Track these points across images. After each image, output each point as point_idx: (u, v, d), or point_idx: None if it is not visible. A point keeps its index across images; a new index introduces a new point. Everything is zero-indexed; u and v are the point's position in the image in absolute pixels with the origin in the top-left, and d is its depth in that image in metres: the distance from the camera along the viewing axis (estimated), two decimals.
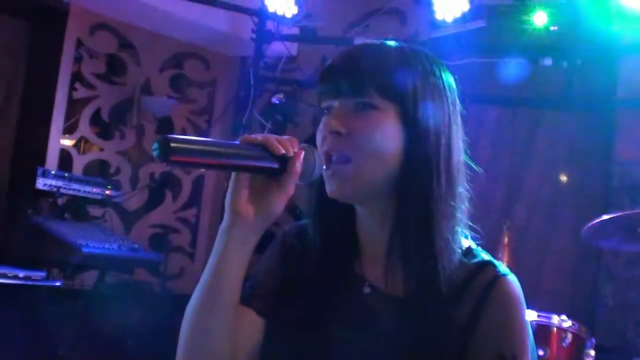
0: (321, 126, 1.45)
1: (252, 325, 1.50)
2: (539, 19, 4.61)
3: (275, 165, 1.35)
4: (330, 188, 1.44)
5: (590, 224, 3.31)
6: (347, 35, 5.72)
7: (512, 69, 4.79)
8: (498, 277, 1.43)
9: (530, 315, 3.28)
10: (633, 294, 4.48)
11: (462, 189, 1.47)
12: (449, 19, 4.54)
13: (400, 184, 1.42)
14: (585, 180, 5.03)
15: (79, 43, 5.67)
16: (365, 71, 1.42)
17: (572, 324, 3.28)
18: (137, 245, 4.92)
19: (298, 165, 1.36)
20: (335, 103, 1.44)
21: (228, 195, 1.39)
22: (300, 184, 1.41)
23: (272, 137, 1.35)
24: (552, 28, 4.64)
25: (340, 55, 1.50)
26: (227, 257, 1.41)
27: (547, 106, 5.15)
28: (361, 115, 1.41)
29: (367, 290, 1.50)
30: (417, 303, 1.41)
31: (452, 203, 1.43)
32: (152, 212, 6.15)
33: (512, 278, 1.45)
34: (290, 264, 1.57)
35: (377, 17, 5.79)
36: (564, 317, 3.28)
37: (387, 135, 1.40)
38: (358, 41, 5.06)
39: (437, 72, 1.48)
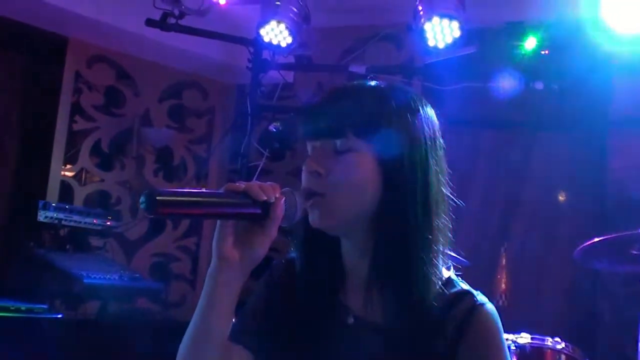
0: (303, 166, 1.51)
1: None
2: (530, 43, 4.67)
3: (258, 211, 1.43)
4: (311, 218, 1.51)
5: (582, 246, 3.35)
6: (343, 62, 5.78)
7: (504, 92, 4.84)
8: (476, 306, 1.49)
9: (524, 338, 3.32)
10: (631, 312, 4.50)
11: (442, 221, 1.52)
12: (441, 45, 4.58)
13: (378, 218, 1.48)
14: (581, 200, 5.07)
15: (78, 75, 5.74)
16: (342, 114, 1.49)
17: (566, 346, 3.31)
18: (137, 275, 4.97)
19: (279, 210, 1.44)
20: (317, 144, 1.50)
21: (214, 241, 1.46)
22: (283, 226, 1.47)
23: (255, 185, 1.43)
24: (542, 52, 4.69)
25: (320, 98, 1.58)
26: (215, 300, 1.48)
27: (541, 128, 5.20)
28: (338, 157, 1.48)
29: (350, 320, 1.55)
30: (396, 332, 1.47)
31: (429, 236, 1.49)
32: (153, 241, 6.19)
33: (490, 307, 1.50)
34: (277, 299, 1.63)
35: (372, 44, 5.86)
36: (557, 339, 3.31)
37: (363, 174, 1.47)
38: (353, 68, 5.14)
39: (415, 110, 1.54)
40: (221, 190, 1.42)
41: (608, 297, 4.81)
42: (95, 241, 5.50)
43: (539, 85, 4.71)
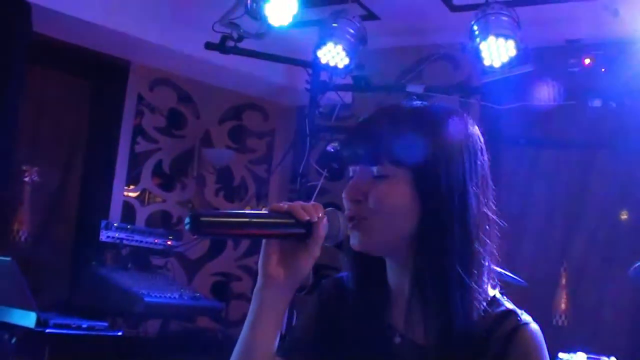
0: (343, 193, 1.54)
1: None
2: (587, 60, 4.64)
3: (302, 231, 1.45)
4: (352, 241, 1.53)
5: (637, 264, 3.31)
6: (400, 82, 5.80)
7: (562, 111, 4.82)
8: (520, 326, 1.47)
9: (580, 357, 3.29)
10: None
11: (483, 242, 1.51)
12: (497, 64, 4.58)
13: (417, 241, 1.49)
14: None
15: (140, 98, 5.88)
16: (376, 141, 1.51)
17: None
18: (198, 294, 5.04)
19: (322, 230, 1.46)
20: (356, 169, 1.54)
21: (260, 259, 1.50)
22: (327, 245, 1.51)
23: (298, 205, 1.45)
24: (600, 70, 4.66)
25: (359, 123, 1.59)
26: (261, 317, 1.51)
27: (599, 147, 5.14)
28: (376, 184, 1.49)
29: (397, 340, 1.56)
30: (440, 353, 1.47)
31: (469, 258, 1.48)
32: (214, 260, 6.28)
33: (534, 326, 1.49)
34: (326, 317, 1.65)
35: (429, 63, 5.87)
36: (613, 358, 3.28)
37: (400, 200, 1.48)
38: (411, 88, 5.15)
39: (454, 131, 1.53)
40: (265, 211, 1.46)
41: None
42: (156, 260, 5.60)
43: (597, 103, 4.67)
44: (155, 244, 5.26)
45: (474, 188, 1.52)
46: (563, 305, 4.67)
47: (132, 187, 5.88)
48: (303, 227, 1.45)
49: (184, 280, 5.92)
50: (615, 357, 3.29)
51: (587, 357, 3.29)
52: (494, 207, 1.57)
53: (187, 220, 1.33)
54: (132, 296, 4.53)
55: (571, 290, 4.69)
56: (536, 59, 4.66)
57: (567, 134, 5.20)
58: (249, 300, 5.03)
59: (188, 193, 6.21)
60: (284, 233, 1.46)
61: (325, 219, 1.47)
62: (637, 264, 3.30)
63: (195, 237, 1.35)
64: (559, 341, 3.92)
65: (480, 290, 1.50)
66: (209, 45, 4.93)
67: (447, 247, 1.47)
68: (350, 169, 1.56)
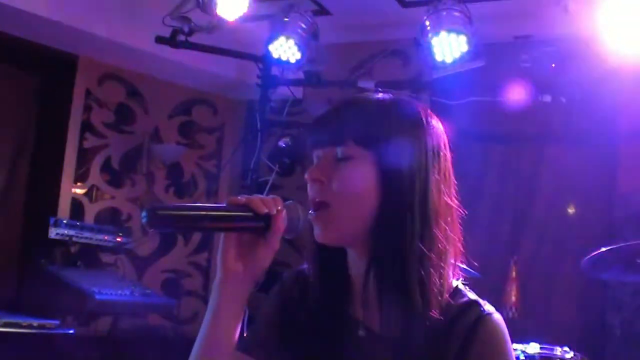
0: (306, 175, 1.54)
1: None
2: (538, 56, 4.69)
3: (260, 224, 1.45)
4: (315, 232, 1.53)
5: (590, 255, 3.36)
6: (352, 77, 5.82)
7: (512, 106, 4.87)
8: (483, 317, 1.49)
9: (533, 348, 3.33)
10: None
11: (443, 230, 1.52)
12: (449, 60, 4.61)
13: (376, 226, 1.50)
14: (590, 213, 5.07)
15: (88, 93, 5.79)
16: (341, 121, 1.53)
17: (574, 355, 3.32)
18: (149, 291, 4.99)
19: (280, 223, 1.46)
20: (320, 153, 1.54)
21: (219, 253, 1.50)
22: (287, 238, 1.50)
23: (256, 198, 1.46)
24: (550, 65, 4.71)
25: (325, 110, 1.60)
26: (221, 311, 1.51)
27: (550, 142, 5.21)
28: (340, 165, 1.50)
29: (361, 333, 1.56)
30: (404, 344, 1.47)
31: (429, 244, 1.49)
32: (164, 257, 6.22)
33: (497, 317, 1.51)
34: (288, 311, 1.64)
35: (380, 59, 5.89)
36: (566, 348, 3.32)
37: (363, 182, 1.49)
38: (362, 83, 5.17)
39: (417, 118, 1.55)
40: (223, 204, 1.45)
41: (618, 309, 4.80)
42: (106, 258, 5.53)
43: (547, 98, 4.73)
44: (105, 240, 5.19)
45: (435, 176, 1.53)
46: (513, 298, 4.72)
47: (80, 183, 5.78)
48: (262, 220, 1.45)
49: (134, 277, 5.85)
50: (568, 347, 3.34)
51: (540, 347, 3.33)
52: (456, 201, 1.57)
53: (143, 214, 1.32)
54: (83, 294, 4.46)
55: (521, 283, 4.74)
56: (487, 54, 4.70)
57: (518, 128, 5.26)
58: (199, 297, 5.03)
59: (138, 189, 6.13)
60: (242, 226, 1.46)
61: (284, 212, 1.47)
62: (589, 256, 3.34)
63: (152, 230, 1.33)
64: (510, 333, 3.96)
65: (441, 279, 1.50)
66: (159, 39, 4.87)
67: (406, 232, 1.48)
68: (314, 154, 1.56)
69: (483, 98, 5.03)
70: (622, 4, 4.08)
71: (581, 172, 5.06)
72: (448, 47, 4.58)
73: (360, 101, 1.59)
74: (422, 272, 1.47)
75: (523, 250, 5.14)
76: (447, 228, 1.53)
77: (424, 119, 1.56)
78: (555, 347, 3.32)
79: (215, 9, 4.68)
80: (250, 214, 1.44)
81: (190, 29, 4.85)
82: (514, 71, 4.90)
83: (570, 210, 5.19)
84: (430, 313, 1.46)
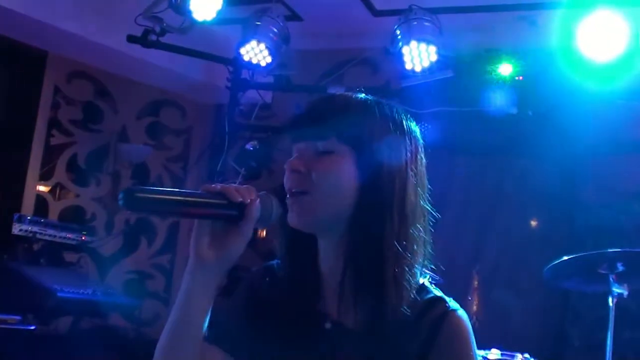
0: (285, 165, 1.55)
1: None
2: (505, 69, 4.75)
3: (234, 212, 1.46)
4: (290, 216, 1.54)
5: (552, 264, 3.41)
6: (321, 83, 5.84)
7: (480, 117, 4.92)
8: (448, 312, 1.52)
9: (494, 354, 3.37)
10: (598, 335, 4.56)
11: (418, 231, 1.55)
12: (418, 69, 4.66)
13: (353, 222, 1.52)
14: (552, 224, 5.14)
15: (57, 90, 5.76)
16: (325, 117, 1.54)
17: None
18: (112, 290, 4.96)
19: (254, 212, 1.47)
20: (301, 145, 1.55)
21: (192, 240, 1.49)
22: (259, 228, 1.51)
23: (231, 186, 1.46)
24: (517, 78, 4.77)
25: (308, 104, 1.61)
26: (191, 298, 1.51)
27: (514, 154, 5.27)
28: (320, 158, 1.52)
29: (328, 325, 1.57)
30: (371, 338, 1.50)
31: (404, 243, 1.51)
32: (127, 257, 6.20)
33: (461, 313, 1.54)
34: (255, 303, 1.65)
35: (350, 67, 5.92)
36: (527, 355, 3.37)
37: (343, 175, 1.51)
38: (331, 90, 5.19)
39: (398, 121, 1.58)
40: (199, 191, 1.46)
41: (577, 320, 4.87)
42: (69, 256, 5.49)
43: (513, 110, 4.79)
44: (69, 239, 5.15)
45: (412, 178, 1.56)
46: (475, 307, 4.76)
47: (45, 181, 5.74)
48: (236, 209, 1.46)
49: (97, 277, 5.82)
50: (529, 354, 3.38)
51: (501, 354, 3.37)
52: (429, 205, 1.60)
53: (121, 195, 1.33)
54: (44, 291, 4.43)
55: (483, 292, 4.78)
56: (456, 65, 4.75)
57: (483, 139, 5.31)
58: (162, 299, 4.98)
59: (103, 189, 6.11)
60: (216, 213, 1.47)
61: (257, 201, 1.48)
62: (551, 265, 3.40)
63: (128, 212, 1.34)
64: None
65: (412, 277, 1.53)
66: (130, 38, 4.87)
67: (383, 228, 1.50)
68: (295, 147, 1.58)
69: (450, 108, 5.08)
70: (589, 19, 4.14)
71: (544, 184, 5.12)
72: (418, 56, 4.62)
73: (344, 99, 1.61)
74: (397, 270, 1.50)
75: (485, 260, 5.18)
76: (420, 229, 1.56)
77: (404, 122, 1.59)
78: (515, 354, 3.36)
79: (188, 10, 4.68)
80: (224, 201, 1.45)
81: (162, 29, 4.85)
82: (482, 83, 4.95)
83: (533, 223, 5.25)
84: (400, 308, 1.49)
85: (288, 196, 1.53)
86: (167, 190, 1.41)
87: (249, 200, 1.46)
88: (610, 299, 3.32)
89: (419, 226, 1.55)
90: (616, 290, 3.28)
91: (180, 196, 1.42)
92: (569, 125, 5.02)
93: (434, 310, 1.52)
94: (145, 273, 6.28)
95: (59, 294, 4.44)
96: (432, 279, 1.62)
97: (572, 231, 5.00)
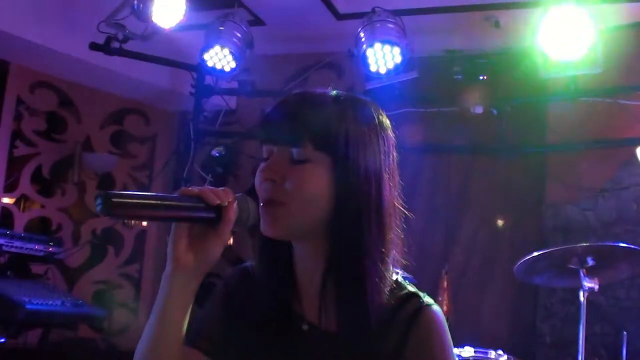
0: (258, 172, 1.53)
1: None
2: (469, 69, 4.79)
3: (212, 215, 1.45)
4: (263, 226, 1.52)
5: (522, 260, 3.43)
6: (285, 88, 5.84)
7: (445, 118, 4.95)
8: (422, 307, 1.52)
9: (467, 352, 3.38)
10: (570, 331, 4.60)
11: (394, 233, 1.55)
12: (383, 70, 4.67)
13: (332, 229, 1.51)
14: (520, 223, 5.19)
15: (19, 101, 5.70)
16: (300, 123, 1.50)
17: (508, 358, 3.39)
18: (80, 301, 4.90)
19: (232, 214, 1.46)
20: (274, 149, 1.53)
21: (169, 244, 1.48)
22: (236, 230, 1.50)
23: (208, 189, 1.45)
24: (482, 77, 4.81)
25: (279, 104, 1.58)
26: (170, 302, 1.49)
27: (480, 153, 5.31)
28: (295, 167, 1.49)
29: (305, 327, 1.57)
30: (348, 339, 1.50)
31: (383, 249, 1.51)
32: (95, 268, 6.14)
33: (436, 307, 1.54)
34: (232, 306, 1.65)
35: (314, 71, 5.93)
36: (500, 351, 3.39)
37: (318, 184, 1.48)
38: None
39: (372, 122, 1.56)
40: (175, 194, 1.45)
41: (548, 316, 4.91)
42: (36, 268, 5.40)
43: (479, 110, 4.83)
44: (36, 250, 5.07)
45: (387, 179, 1.55)
46: (445, 307, 4.78)
47: (9, 192, 5.67)
48: (213, 212, 1.45)
49: (65, 288, 5.76)
50: (502, 350, 3.40)
51: (475, 351, 3.39)
52: (400, 199, 1.60)
53: (98, 200, 1.32)
54: (12, 303, 4.35)
55: (453, 291, 4.80)
56: (420, 67, 4.76)
57: (449, 139, 5.34)
58: (130, 309, 4.94)
59: (68, 199, 6.05)
60: (194, 216, 1.45)
61: (235, 204, 1.47)
62: (521, 260, 3.42)
63: (106, 216, 1.33)
64: None
65: (389, 276, 1.53)
66: (93, 46, 4.83)
67: (363, 233, 1.49)
68: (265, 148, 1.55)
69: (416, 109, 5.10)
70: (551, 19, 4.18)
71: (511, 183, 5.16)
72: (382, 58, 4.64)
73: (318, 99, 1.57)
74: (377, 271, 1.50)
75: (454, 259, 5.22)
76: (396, 228, 1.56)
77: (377, 120, 1.57)
78: (489, 350, 3.38)
79: (151, 16, 4.66)
80: (202, 204, 1.44)
81: (124, 36, 4.82)
82: (446, 83, 4.99)
83: (499, 222, 5.29)
84: (379, 308, 1.49)
85: (261, 204, 1.51)
86: (144, 195, 1.40)
87: (226, 203, 1.45)
88: (581, 294, 3.34)
89: (395, 227, 1.56)
90: (587, 284, 3.30)
91: (157, 200, 1.42)
92: (534, 123, 5.07)
93: (407, 306, 1.52)
94: (113, 283, 6.22)
95: (27, 306, 4.37)
96: (404, 274, 1.62)
97: (539, 229, 5.05)
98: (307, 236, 1.54)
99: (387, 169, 1.55)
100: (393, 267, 1.56)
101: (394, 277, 1.57)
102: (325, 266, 1.53)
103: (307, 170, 1.49)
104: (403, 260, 1.59)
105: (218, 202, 1.44)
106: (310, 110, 1.53)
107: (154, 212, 1.42)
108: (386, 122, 1.60)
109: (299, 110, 1.54)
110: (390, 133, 1.60)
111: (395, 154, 1.60)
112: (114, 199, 1.32)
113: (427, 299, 1.55)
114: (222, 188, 1.47)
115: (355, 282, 1.49)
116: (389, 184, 1.55)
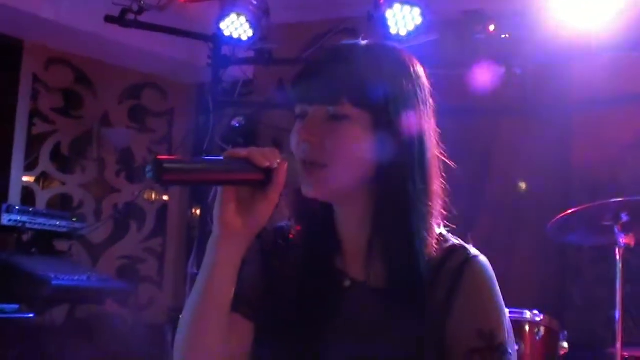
0: (294, 132, 1.48)
1: (242, 329, 1.55)
2: (491, 28, 4.70)
3: (261, 177, 1.40)
4: (305, 188, 1.48)
5: (555, 219, 3.38)
6: (303, 56, 5.77)
7: (467, 79, 4.87)
8: (469, 259, 1.51)
9: None
10: (600, 292, 4.56)
11: (437, 185, 1.53)
12: (403, 32, 4.59)
13: (377, 187, 1.48)
14: (546, 184, 5.11)
15: (35, 78, 5.68)
16: (338, 80, 1.45)
17: (544, 318, 3.34)
18: (106, 276, 4.91)
19: (282, 176, 1.41)
20: (309, 109, 1.48)
21: (216, 208, 1.43)
22: (287, 191, 1.46)
23: (256, 150, 1.40)
24: (503, 36, 4.72)
25: (312, 60, 1.54)
26: (218, 268, 1.45)
27: (504, 115, 5.23)
28: (333, 126, 1.44)
29: (347, 283, 1.54)
30: (394, 291, 1.47)
31: (428, 202, 1.49)
32: (118, 243, 6.14)
33: (483, 259, 1.53)
34: (271, 266, 1.61)
35: (331, 37, 5.85)
36: (535, 311, 3.34)
37: (360, 143, 1.44)
38: None
39: (409, 73, 1.52)
40: (222, 157, 1.40)
41: (577, 277, 4.86)
42: (59, 245, 5.42)
43: (501, 71, 4.74)
44: (59, 226, 5.08)
45: (427, 127, 1.52)
46: None
47: (30, 171, 5.67)
48: (262, 174, 1.40)
49: (89, 264, 5.76)
50: (538, 310, 3.35)
51: (510, 311, 3.34)
52: (439, 147, 1.58)
53: (148, 167, 1.28)
54: (39, 279, 4.37)
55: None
56: (440, 28, 4.69)
57: (472, 102, 5.26)
58: (155, 283, 4.93)
59: (88, 175, 6.04)
60: (244, 179, 1.41)
61: (285, 165, 1.42)
62: (554, 219, 3.37)
63: (157, 184, 1.29)
64: None
65: (434, 229, 1.51)
66: (108, 18, 4.76)
67: (408, 188, 1.46)
68: (298, 107, 1.50)
69: (437, 71, 5.01)
70: None
71: (537, 144, 5.09)
72: (402, 19, 4.56)
73: (351, 53, 1.51)
74: (424, 225, 1.47)
75: (480, 224, 5.15)
76: (439, 178, 1.54)
77: (412, 69, 1.53)
78: (525, 310, 3.34)
79: None
80: (251, 166, 1.39)
81: (140, 8, 4.74)
82: (468, 44, 4.90)
83: (527, 184, 5.22)
84: (426, 261, 1.47)
85: (302, 166, 1.46)
86: (194, 159, 1.38)
87: (276, 165, 1.40)
88: (617, 250, 3.29)
89: (437, 176, 1.54)
90: (623, 240, 3.24)
91: (207, 164, 1.39)
92: (558, 84, 4.99)
93: (454, 258, 1.50)
94: (137, 258, 6.22)
95: (53, 282, 4.38)
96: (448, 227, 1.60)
97: (566, 190, 4.98)
98: (351, 196, 1.50)
99: (426, 119, 1.52)
100: (437, 219, 1.53)
101: (438, 230, 1.54)
102: (372, 224, 1.50)
103: (346, 129, 1.44)
104: (445, 212, 1.57)
105: (267, 164, 1.39)
106: (346, 65, 1.48)
107: (204, 175, 1.38)
108: (420, 70, 1.57)
109: (334, 66, 1.48)
110: (425, 81, 1.56)
111: (431, 101, 1.56)
112: (165, 165, 1.28)
113: (474, 251, 1.53)
114: (270, 149, 1.42)
115: (403, 237, 1.46)
116: (430, 134, 1.52)
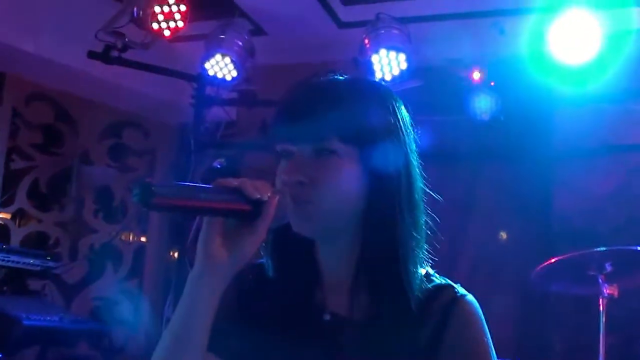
0: (280, 171, 1.45)
1: None
2: (476, 75, 4.70)
3: (251, 209, 1.35)
4: (295, 224, 1.45)
5: (538, 268, 3.35)
6: (283, 95, 5.74)
7: (451, 124, 4.87)
8: (457, 298, 1.47)
9: None
10: (580, 341, 4.52)
11: (424, 216, 1.52)
12: (388, 77, 4.59)
13: (365, 221, 1.45)
14: (527, 231, 5.11)
15: (15, 113, 5.62)
16: (325, 117, 1.42)
17: None
18: (80, 317, 4.81)
19: (272, 209, 1.37)
20: (294, 148, 1.44)
21: (200, 241, 1.38)
22: (272, 227, 1.41)
23: (248, 182, 1.36)
24: (490, 83, 4.73)
25: (295, 96, 1.50)
26: (198, 303, 1.39)
27: (487, 160, 5.23)
28: (322, 162, 1.42)
29: (327, 317, 1.50)
30: (378, 328, 1.43)
31: (416, 235, 1.48)
32: (94, 284, 6.04)
33: (471, 298, 1.50)
34: (248, 305, 1.56)
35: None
36: None
37: (349, 179, 1.42)
38: None
39: (392, 107, 1.50)
40: (211, 186, 1.35)
41: (558, 326, 4.83)
42: (33, 284, 5.31)
43: (485, 116, 4.74)
44: (33, 265, 4.97)
45: (415, 163, 1.51)
46: None
47: (6, 207, 5.59)
48: (252, 206, 1.35)
49: (63, 304, 5.66)
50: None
51: None
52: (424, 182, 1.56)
53: (135, 190, 1.23)
54: (9, 319, 4.25)
55: None
56: (425, 74, 4.70)
57: (455, 146, 5.25)
58: (131, 325, 4.79)
59: (66, 214, 5.96)
60: (233, 208, 1.35)
61: (276, 199, 1.37)
62: (538, 268, 3.34)
63: (144, 208, 1.24)
64: None
65: (421, 267, 1.50)
66: (91, 54, 4.72)
67: (397, 223, 1.44)
68: (283, 147, 1.46)
69: (421, 117, 5.01)
70: (559, 25, 4.12)
71: (517, 190, 5.09)
72: (387, 65, 4.56)
73: (336, 89, 1.48)
74: (412, 260, 1.45)
75: (460, 267, 5.12)
76: (424, 214, 1.52)
77: (394, 101, 1.52)
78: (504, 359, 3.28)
79: (151, 24, 4.57)
80: (241, 198, 1.34)
81: (124, 45, 4.70)
82: (452, 90, 4.91)
83: (504, 236, 5.22)
84: (413, 298, 1.44)
85: (291, 203, 1.43)
86: (183, 185, 1.31)
87: (267, 197, 1.36)
88: (600, 301, 3.25)
89: (424, 212, 1.53)
90: (606, 291, 3.21)
91: (195, 191, 1.32)
92: (542, 130, 5.01)
93: (441, 297, 1.47)
94: (112, 299, 6.12)
95: (24, 322, 4.27)
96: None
97: (547, 238, 4.97)
98: (339, 231, 1.47)
99: (410, 150, 1.50)
100: (424, 255, 1.52)
101: (423, 270, 1.52)
102: (358, 256, 1.47)
103: (335, 164, 1.42)
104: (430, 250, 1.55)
105: (258, 196, 1.34)
106: (331, 101, 1.45)
107: (193, 202, 1.31)
108: (399, 101, 1.55)
109: (319, 104, 1.45)
110: (405, 112, 1.55)
111: (413, 134, 1.55)
112: (153, 188, 1.23)
113: (462, 290, 1.50)
114: (261, 181, 1.38)
115: (392, 270, 1.44)
116: (414, 164, 1.51)
